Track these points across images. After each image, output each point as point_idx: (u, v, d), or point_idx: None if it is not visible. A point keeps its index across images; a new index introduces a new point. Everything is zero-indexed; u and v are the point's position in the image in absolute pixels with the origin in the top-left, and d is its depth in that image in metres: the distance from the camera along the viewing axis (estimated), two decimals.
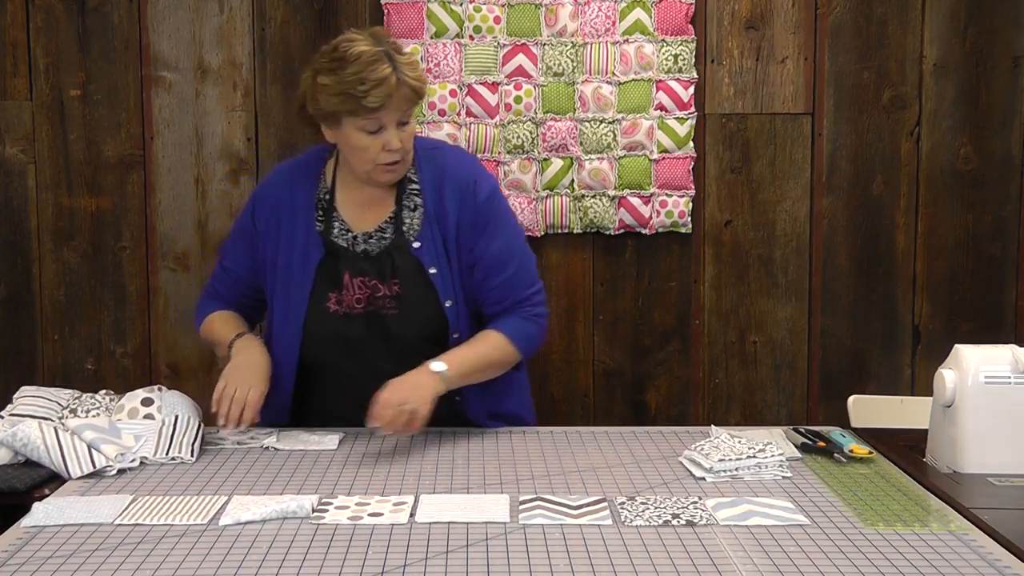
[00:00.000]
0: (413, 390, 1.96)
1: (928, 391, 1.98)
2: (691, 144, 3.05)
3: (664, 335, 3.15)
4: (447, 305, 2.11)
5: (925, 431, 1.98)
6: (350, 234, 2.14)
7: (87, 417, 2.01)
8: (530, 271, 2.21)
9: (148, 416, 2.01)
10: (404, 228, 2.13)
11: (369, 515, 1.62)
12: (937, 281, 3.13)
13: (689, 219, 3.08)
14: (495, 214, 2.17)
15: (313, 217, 2.15)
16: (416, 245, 2.12)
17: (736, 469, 1.82)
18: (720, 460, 1.82)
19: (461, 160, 2.23)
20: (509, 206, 2.26)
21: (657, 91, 3.03)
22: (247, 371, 2.07)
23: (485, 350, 2.12)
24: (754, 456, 1.83)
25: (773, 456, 1.84)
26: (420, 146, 2.19)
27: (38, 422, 1.93)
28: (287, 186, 2.20)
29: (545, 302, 2.23)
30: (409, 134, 2.08)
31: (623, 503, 1.67)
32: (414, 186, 2.16)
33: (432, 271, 2.11)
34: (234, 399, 2.01)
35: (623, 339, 3.15)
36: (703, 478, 1.81)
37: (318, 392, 2.18)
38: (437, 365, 2.02)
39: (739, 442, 1.89)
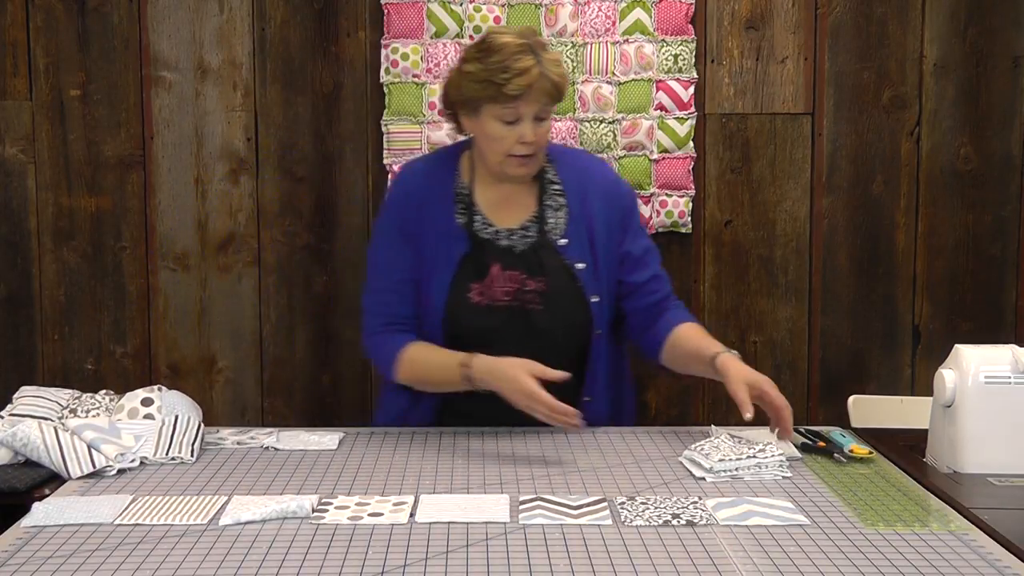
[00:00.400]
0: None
1: (928, 391, 1.98)
2: (691, 144, 3.05)
3: None
4: (593, 301, 2.14)
5: (925, 431, 1.97)
6: (492, 228, 2.16)
7: (87, 417, 2.00)
8: None
9: (148, 416, 2.01)
10: (547, 227, 2.16)
11: (369, 515, 1.62)
12: (937, 281, 3.13)
13: (689, 219, 3.08)
14: (637, 213, 2.29)
15: (453, 210, 2.17)
16: (563, 242, 2.15)
17: (736, 469, 1.82)
18: (720, 460, 1.82)
19: (599, 162, 2.36)
20: None
21: (657, 91, 3.03)
22: (518, 377, 1.96)
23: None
24: (754, 456, 1.83)
25: (773, 456, 1.84)
26: (554, 149, 2.24)
27: (38, 422, 1.93)
28: (425, 181, 2.21)
29: None
30: (544, 131, 2.12)
31: (623, 503, 1.67)
32: (556, 187, 2.19)
33: (579, 266, 2.14)
34: (551, 406, 1.93)
35: None
36: (703, 478, 1.81)
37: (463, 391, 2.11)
38: (732, 352, 2.05)
39: (739, 442, 1.89)
